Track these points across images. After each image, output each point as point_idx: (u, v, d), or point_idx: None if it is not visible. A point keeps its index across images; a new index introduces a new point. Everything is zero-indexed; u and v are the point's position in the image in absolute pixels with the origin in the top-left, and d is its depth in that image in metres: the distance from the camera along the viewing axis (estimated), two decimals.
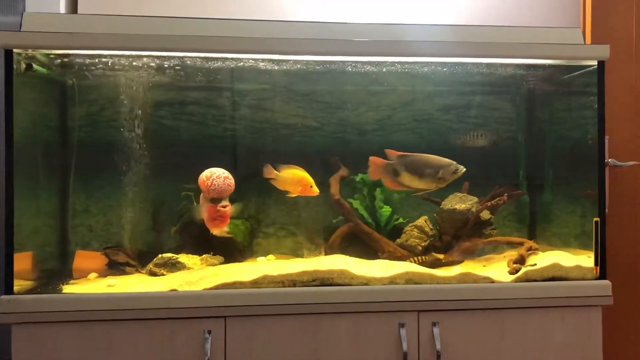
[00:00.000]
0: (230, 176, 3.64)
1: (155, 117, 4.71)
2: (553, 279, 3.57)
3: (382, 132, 4.96)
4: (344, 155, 4.81)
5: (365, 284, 3.43)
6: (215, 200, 3.63)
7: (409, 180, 4.25)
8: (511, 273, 3.99)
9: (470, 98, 4.97)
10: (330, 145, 4.91)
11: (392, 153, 4.31)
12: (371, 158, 4.30)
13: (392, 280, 3.79)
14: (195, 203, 3.98)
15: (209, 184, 3.61)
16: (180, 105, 4.79)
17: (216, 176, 3.65)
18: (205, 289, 3.29)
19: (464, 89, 4.90)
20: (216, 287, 3.33)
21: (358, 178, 4.69)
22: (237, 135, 4.83)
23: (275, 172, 3.78)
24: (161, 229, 4.63)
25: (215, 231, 3.75)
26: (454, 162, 4.21)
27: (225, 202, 3.74)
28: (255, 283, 3.39)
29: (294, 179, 3.74)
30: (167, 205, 4.63)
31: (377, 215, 4.62)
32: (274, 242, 4.79)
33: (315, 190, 3.72)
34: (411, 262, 4.22)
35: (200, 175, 3.68)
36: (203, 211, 3.74)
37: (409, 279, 3.82)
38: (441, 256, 4.43)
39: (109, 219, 4.62)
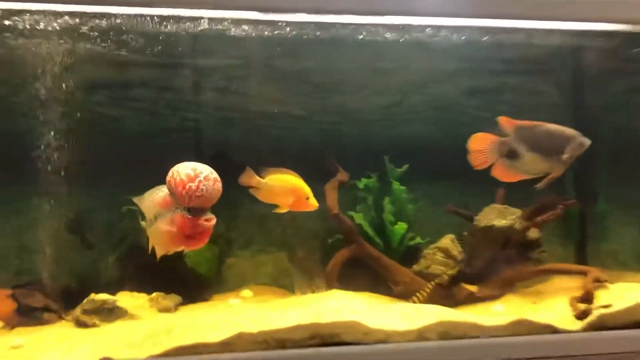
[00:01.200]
0: (219, 177, 2.49)
1: (88, 103, 3.62)
2: (638, 325, 2.48)
3: (389, 122, 3.97)
4: (342, 154, 3.78)
5: (384, 342, 2.72)
6: (195, 211, 2.46)
7: (532, 162, 2.90)
8: (579, 317, 2.95)
9: (502, 79, 3.88)
10: (323, 140, 3.95)
11: (508, 123, 2.90)
12: (475, 135, 2.98)
13: (422, 334, 2.74)
14: (141, 220, 3.01)
15: (194, 187, 2.43)
16: (122, 87, 3.70)
17: (204, 177, 2.46)
18: (152, 357, 2.01)
19: (495, 67, 3.82)
20: (168, 354, 2.08)
21: (361, 184, 3.65)
22: (200, 127, 3.77)
23: (259, 178, 2.94)
24: (95, 257, 3.56)
25: (161, 250, 2.70)
26: (577, 132, 2.93)
27: (210, 215, 2.52)
28: (226, 345, 2.31)
29: (284, 188, 2.92)
30: (103, 224, 3.60)
31: (386, 233, 3.53)
32: (251, 270, 3.77)
33: (313, 204, 2.99)
34: (414, 302, 3.31)
35: (174, 173, 2.50)
36: (169, 225, 2.55)
37: (445, 331, 2.77)
38: (474, 288, 3.37)
39: (21, 243, 3.53)
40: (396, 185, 3.64)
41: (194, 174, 2.44)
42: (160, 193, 2.71)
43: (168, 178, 2.52)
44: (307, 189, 2.96)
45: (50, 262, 3.37)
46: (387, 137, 3.87)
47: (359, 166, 3.73)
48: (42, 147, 3.32)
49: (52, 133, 3.35)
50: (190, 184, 2.42)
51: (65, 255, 3.41)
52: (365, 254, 3.51)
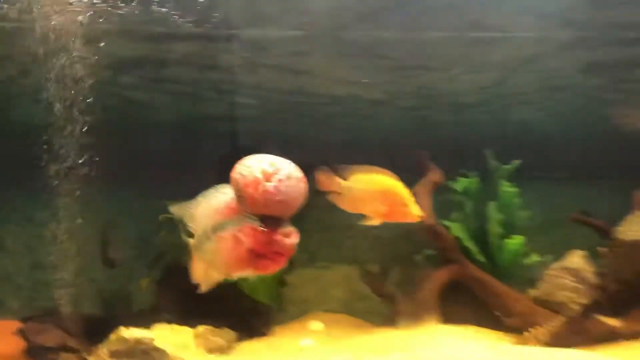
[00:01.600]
0: (304, 176, 1.69)
1: (114, 87, 2.98)
2: None
3: (489, 106, 3.24)
4: (430, 147, 3.09)
5: None
6: (271, 222, 1.72)
7: None
8: None
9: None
10: (407, 129, 3.27)
11: None
12: None
13: None
14: (183, 232, 1.99)
15: (271, 189, 1.68)
16: (155, 66, 3.01)
17: (285, 175, 1.70)
18: None
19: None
20: None
21: (460, 185, 2.88)
22: (251, 115, 3.11)
23: (340, 180, 2.19)
24: (124, 279, 2.94)
25: (219, 274, 1.87)
26: None
27: (289, 227, 1.75)
28: None
29: (374, 192, 2.21)
30: (135, 237, 2.99)
31: (491, 249, 2.80)
32: (316, 293, 3.15)
33: (415, 213, 2.16)
34: (533, 340, 2.63)
35: (244, 169, 1.73)
36: (234, 240, 1.78)
37: None
38: (615, 322, 2.58)
39: (34, 260, 2.95)
40: (506, 187, 2.86)
41: (272, 170, 1.70)
42: (221, 196, 1.93)
43: (235, 175, 1.76)
44: (405, 193, 2.26)
45: (70, 288, 2.68)
46: (487, 126, 3.24)
47: (451, 163, 2.97)
48: (62, 140, 2.73)
49: (74, 123, 2.71)
50: (267, 183, 1.69)
51: (89, 278, 2.70)
52: (468, 276, 2.77)
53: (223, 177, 2.15)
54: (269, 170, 1.79)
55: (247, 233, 1.86)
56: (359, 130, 3.17)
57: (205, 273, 2.18)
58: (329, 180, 2.30)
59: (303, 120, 3.11)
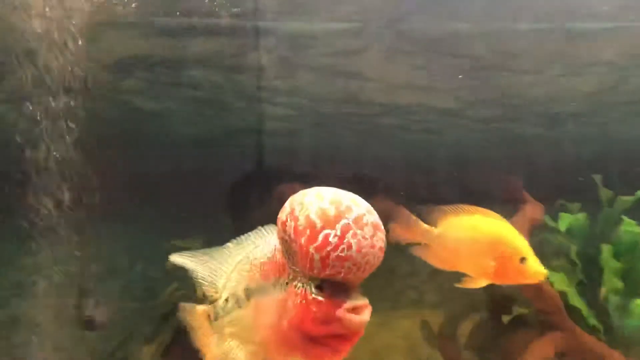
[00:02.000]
0: (379, 221, 0.97)
1: (115, 94, 2.58)
2: None
3: (597, 118, 2.62)
4: (520, 171, 2.48)
5: None
6: (334, 289, 1.01)
7: None
8: None
9: None
10: (486, 147, 2.75)
11: None
12: None
13: None
14: (198, 289, 1.30)
15: (334, 241, 0.97)
16: (170, 67, 2.62)
17: (354, 219, 0.99)
18: None
19: None
20: None
21: (563, 223, 2.43)
22: (291, 129, 2.65)
23: (425, 226, 1.69)
24: (123, 342, 2.45)
25: None
26: None
27: (359, 298, 1.02)
28: None
29: (478, 243, 1.65)
30: (139, 288, 2.53)
31: (607, 308, 2.40)
32: (371, 356, 2.64)
33: (537, 271, 1.62)
34: None
35: (295, 209, 1.03)
36: (277, 313, 1.12)
37: None
38: None
39: (13, 324, 2.63)
40: (628, 227, 2.19)
41: (336, 211, 1.13)
42: (261, 245, 1.35)
43: (282, 217, 1.16)
44: (522, 244, 1.68)
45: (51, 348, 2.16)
46: (593, 142, 2.62)
47: (546, 192, 2.39)
48: (47, 164, 2.26)
49: (62, 142, 2.27)
50: (328, 231, 1.08)
51: (80, 341, 2.21)
52: (580, 347, 2.09)
53: (260, 214, 1.54)
54: (330, 213, 1.19)
55: (296, 304, 1.25)
56: (425, 148, 2.60)
57: (225, 355, 1.56)
58: (410, 227, 1.71)
59: (351, 135, 2.55)
